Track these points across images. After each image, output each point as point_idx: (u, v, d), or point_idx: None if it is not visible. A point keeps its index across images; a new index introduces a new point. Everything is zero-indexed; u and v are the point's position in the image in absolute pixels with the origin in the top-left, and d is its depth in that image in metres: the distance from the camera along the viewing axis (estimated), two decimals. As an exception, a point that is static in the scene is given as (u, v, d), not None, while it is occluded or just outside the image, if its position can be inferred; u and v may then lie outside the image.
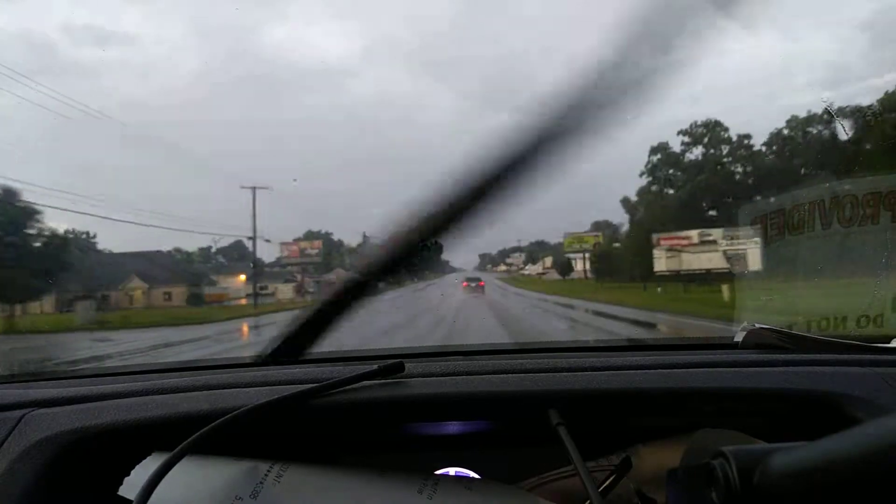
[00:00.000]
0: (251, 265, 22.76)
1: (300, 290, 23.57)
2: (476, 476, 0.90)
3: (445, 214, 0.82)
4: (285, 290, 23.80)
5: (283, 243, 25.93)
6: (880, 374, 0.75)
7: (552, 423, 0.70)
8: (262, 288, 23.06)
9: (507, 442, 0.94)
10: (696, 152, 28.04)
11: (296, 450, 0.79)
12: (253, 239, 20.41)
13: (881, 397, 0.71)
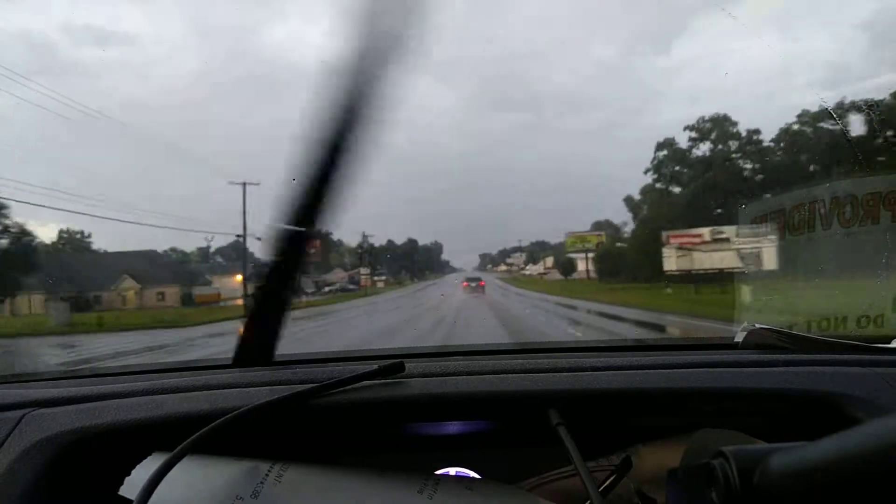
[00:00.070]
0: (247, 265, 22.64)
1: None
2: (476, 476, 0.90)
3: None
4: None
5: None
6: (880, 375, 0.75)
7: (552, 423, 0.70)
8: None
9: (508, 442, 0.94)
10: (704, 148, 27.61)
11: (296, 450, 0.79)
12: (243, 237, 20.30)
13: (881, 397, 0.71)
